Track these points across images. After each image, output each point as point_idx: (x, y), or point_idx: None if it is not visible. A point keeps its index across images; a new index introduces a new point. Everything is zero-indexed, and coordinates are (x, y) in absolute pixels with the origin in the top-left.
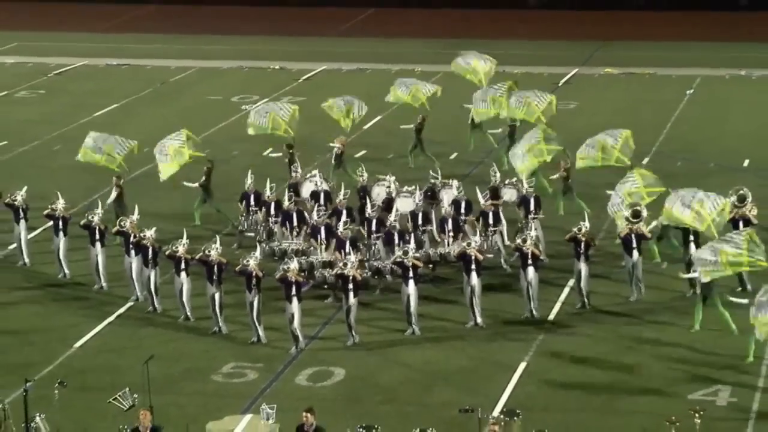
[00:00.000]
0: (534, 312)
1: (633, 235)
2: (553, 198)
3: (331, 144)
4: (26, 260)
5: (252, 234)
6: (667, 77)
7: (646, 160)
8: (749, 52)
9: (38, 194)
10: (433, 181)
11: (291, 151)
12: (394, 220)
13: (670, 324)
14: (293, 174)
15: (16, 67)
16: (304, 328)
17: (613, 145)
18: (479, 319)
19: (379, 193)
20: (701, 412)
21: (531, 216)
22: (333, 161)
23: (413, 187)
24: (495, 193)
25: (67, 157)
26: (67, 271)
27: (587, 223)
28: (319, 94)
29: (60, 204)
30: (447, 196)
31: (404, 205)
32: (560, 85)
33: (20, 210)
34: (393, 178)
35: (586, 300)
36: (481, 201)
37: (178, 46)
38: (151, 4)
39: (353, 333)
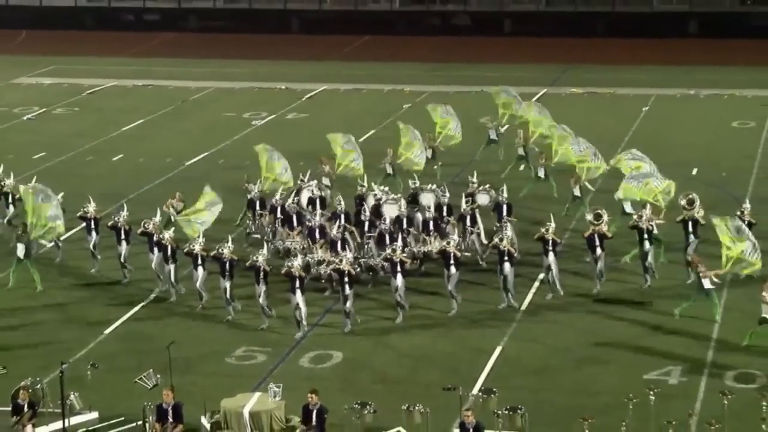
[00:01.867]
0: (512, 302)
1: (596, 235)
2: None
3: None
4: (59, 245)
5: (258, 235)
6: (625, 96)
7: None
8: (698, 74)
9: (73, 199)
10: (413, 187)
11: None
12: (384, 223)
13: (628, 312)
14: (299, 182)
15: (53, 88)
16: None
17: (657, 186)
18: (455, 303)
19: (369, 200)
20: (655, 390)
21: (504, 220)
22: (387, 170)
23: (398, 195)
24: (472, 198)
25: (99, 167)
26: (98, 257)
27: (553, 224)
28: (320, 111)
29: (91, 207)
30: (428, 200)
31: (390, 210)
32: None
33: None
34: (384, 187)
35: (559, 288)
36: (463, 206)
37: (198, 69)
38: (173, 32)
39: (351, 319)
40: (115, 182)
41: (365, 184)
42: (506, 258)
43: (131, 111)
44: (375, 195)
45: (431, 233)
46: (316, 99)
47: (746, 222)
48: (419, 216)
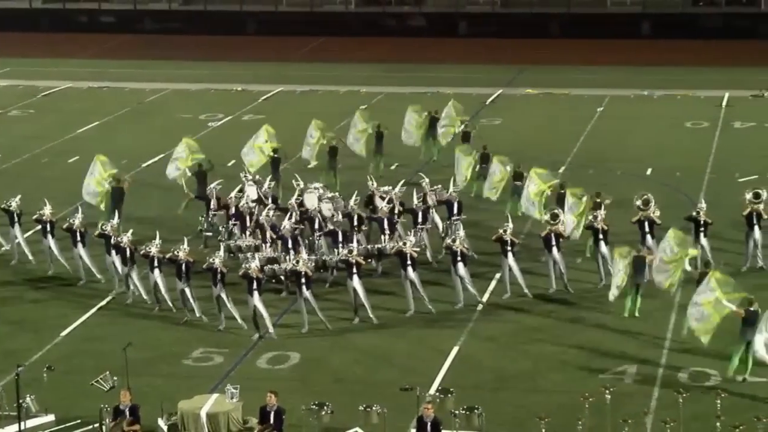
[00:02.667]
0: (478, 298)
1: (552, 235)
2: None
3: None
4: (30, 257)
5: (210, 234)
6: (580, 97)
7: (562, 169)
8: (651, 75)
9: (29, 201)
10: (371, 188)
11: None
12: (339, 221)
13: (584, 311)
14: (243, 179)
15: (8, 90)
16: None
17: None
18: (429, 306)
19: (311, 198)
20: (611, 389)
21: (454, 217)
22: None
23: (335, 193)
24: (424, 197)
25: (55, 168)
26: (67, 265)
27: (511, 224)
28: (276, 113)
29: (47, 210)
30: (382, 201)
31: (325, 208)
32: (487, 103)
33: (14, 215)
34: (322, 185)
35: (526, 291)
36: (414, 201)
37: (153, 70)
38: (129, 33)
39: (306, 318)
40: (71, 184)
41: (301, 181)
42: (459, 258)
43: (87, 113)
44: (315, 194)
45: (385, 231)
46: (273, 100)
47: (702, 222)
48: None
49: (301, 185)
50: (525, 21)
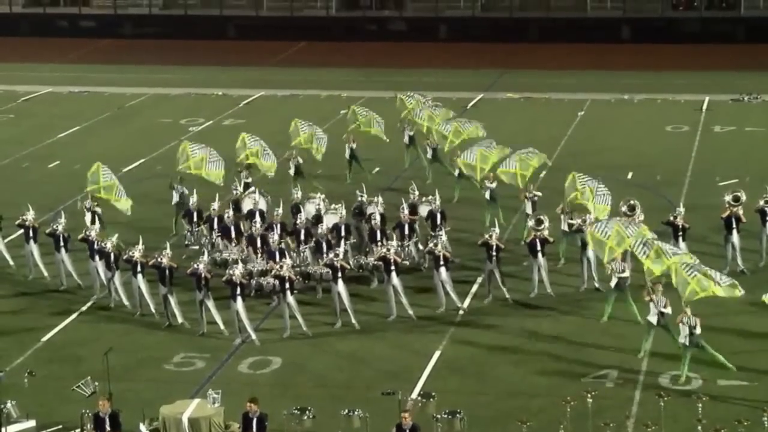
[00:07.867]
0: (458, 303)
1: (537, 240)
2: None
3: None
4: (11, 262)
5: (196, 247)
6: (560, 101)
7: (543, 174)
8: (631, 79)
9: (10, 206)
10: (360, 198)
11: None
12: (323, 232)
13: (566, 315)
14: (234, 192)
15: None
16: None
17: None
18: (410, 311)
19: (309, 209)
20: (592, 393)
21: (438, 227)
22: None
23: (340, 204)
24: (413, 208)
25: (36, 173)
26: (45, 273)
27: (497, 229)
28: (257, 117)
29: (30, 215)
30: (373, 211)
31: (331, 220)
32: (468, 108)
33: None
34: (323, 195)
35: (508, 297)
36: (402, 214)
37: (133, 75)
38: (109, 38)
39: (289, 326)
40: (51, 189)
41: (299, 191)
42: (441, 263)
43: (67, 117)
44: (316, 204)
45: (378, 243)
46: (253, 105)
47: (680, 226)
48: (368, 225)
49: (299, 196)
50: (505, 25)
